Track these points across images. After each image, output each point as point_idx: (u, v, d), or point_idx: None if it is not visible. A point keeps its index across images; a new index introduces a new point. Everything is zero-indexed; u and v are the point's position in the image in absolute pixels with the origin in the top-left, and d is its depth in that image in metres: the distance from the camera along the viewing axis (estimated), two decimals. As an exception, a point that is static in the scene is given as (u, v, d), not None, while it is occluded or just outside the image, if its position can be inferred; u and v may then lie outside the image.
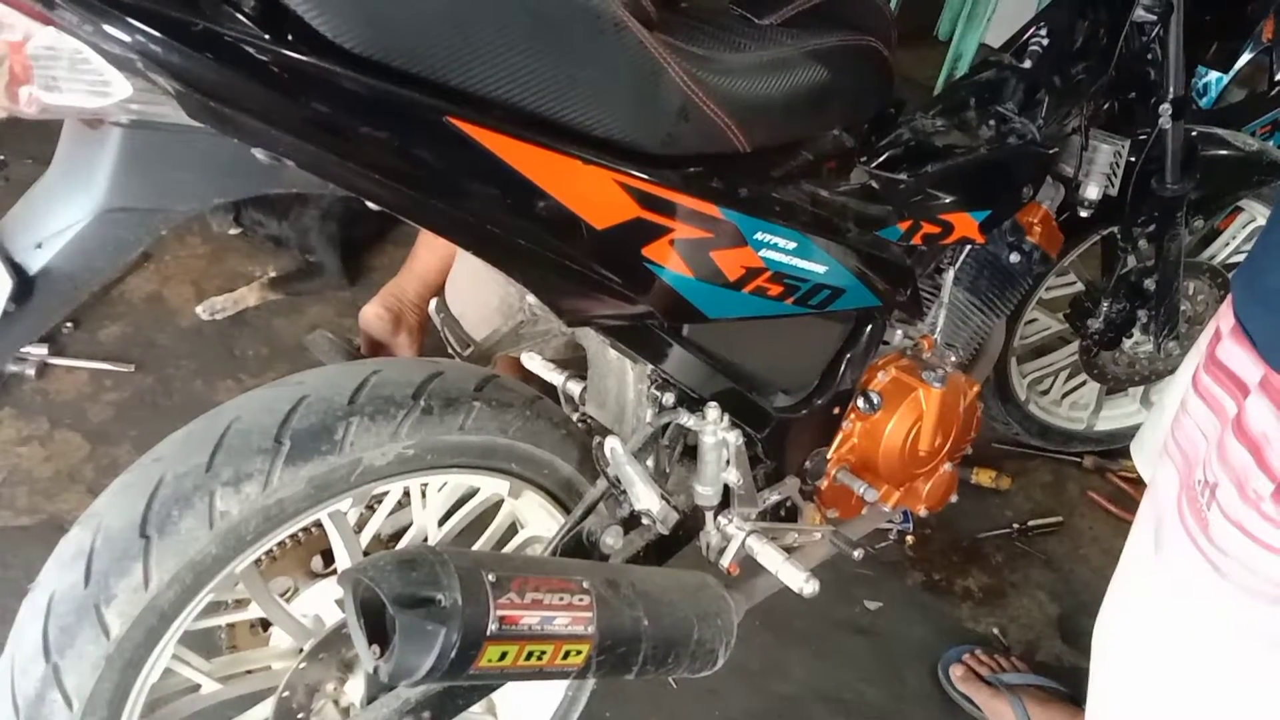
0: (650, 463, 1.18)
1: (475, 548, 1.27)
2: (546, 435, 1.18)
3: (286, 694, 1.11)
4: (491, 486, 1.19)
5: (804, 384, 1.37)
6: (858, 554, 1.36)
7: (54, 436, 1.85)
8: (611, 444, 1.09)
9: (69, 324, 2.05)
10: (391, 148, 0.85)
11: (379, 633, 0.91)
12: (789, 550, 1.33)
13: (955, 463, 1.58)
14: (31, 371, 1.93)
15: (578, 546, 1.15)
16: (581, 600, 1.00)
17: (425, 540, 1.22)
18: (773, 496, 1.36)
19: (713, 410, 1.16)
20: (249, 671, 1.16)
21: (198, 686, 1.11)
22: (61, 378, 1.96)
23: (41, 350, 1.97)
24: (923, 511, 1.58)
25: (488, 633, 0.91)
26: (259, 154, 0.81)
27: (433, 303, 1.41)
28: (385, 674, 0.89)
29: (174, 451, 1.00)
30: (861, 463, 1.48)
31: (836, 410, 1.41)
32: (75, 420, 1.89)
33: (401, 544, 1.23)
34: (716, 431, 1.17)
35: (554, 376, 1.45)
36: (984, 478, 2.11)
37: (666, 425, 1.19)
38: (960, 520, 2.02)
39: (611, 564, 1.11)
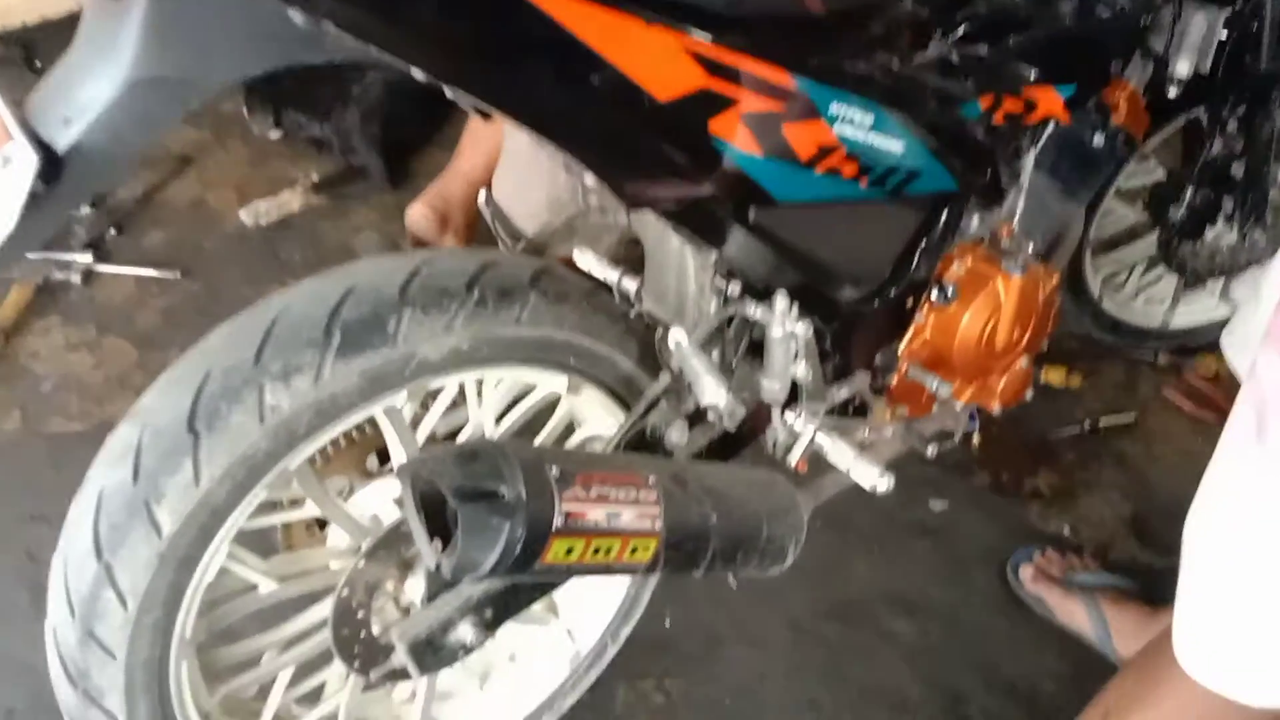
0: (715, 357, 1.12)
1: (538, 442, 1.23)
2: (605, 329, 1.13)
3: (345, 593, 1.09)
4: (549, 383, 1.14)
5: (876, 274, 1.30)
6: (931, 450, 1.30)
7: (102, 343, 1.84)
8: (677, 336, 1.04)
9: (113, 229, 2.02)
10: (437, 7, 0.78)
11: (439, 528, 0.87)
12: (860, 447, 1.28)
13: (1033, 358, 1.51)
14: (77, 278, 1.91)
15: (640, 443, 1.10)
16: (648, 496, 0.96)
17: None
18: (841, 392, 1.29)
19: (781, 300, 1.10)
20: (307, 571, 1.13)
21: (255, 586, 1.08)
22: (108, 285, 1.94)
23: (86, 257, 1.94)
24: (996, 408, 1.51)
25: (553, 527, 0.87)
26: (296, 16, 0.75)
27: (481, 193, 1.35)
28: (448, 569, 0.85)
29: (221, 345, 0.96)
30: (935, 357, 1.40)
31: (910, 302, 1.33)
32: (123, 327, 1.87)
33: (461, 439, 1.19)
34: (785, 323, 1.11)
35: (608, 273, 1.38)
36: (1054, 376, 2.03)
37: (731, 318, 1.12)
38: (1029, 419, 1.94)
39: (677, 460, 1.06)
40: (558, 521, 0.87)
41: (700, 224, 1.05)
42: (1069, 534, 1.79)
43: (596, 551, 0.92)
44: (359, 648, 1.12)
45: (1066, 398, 2.03)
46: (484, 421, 1.17)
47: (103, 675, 0.96)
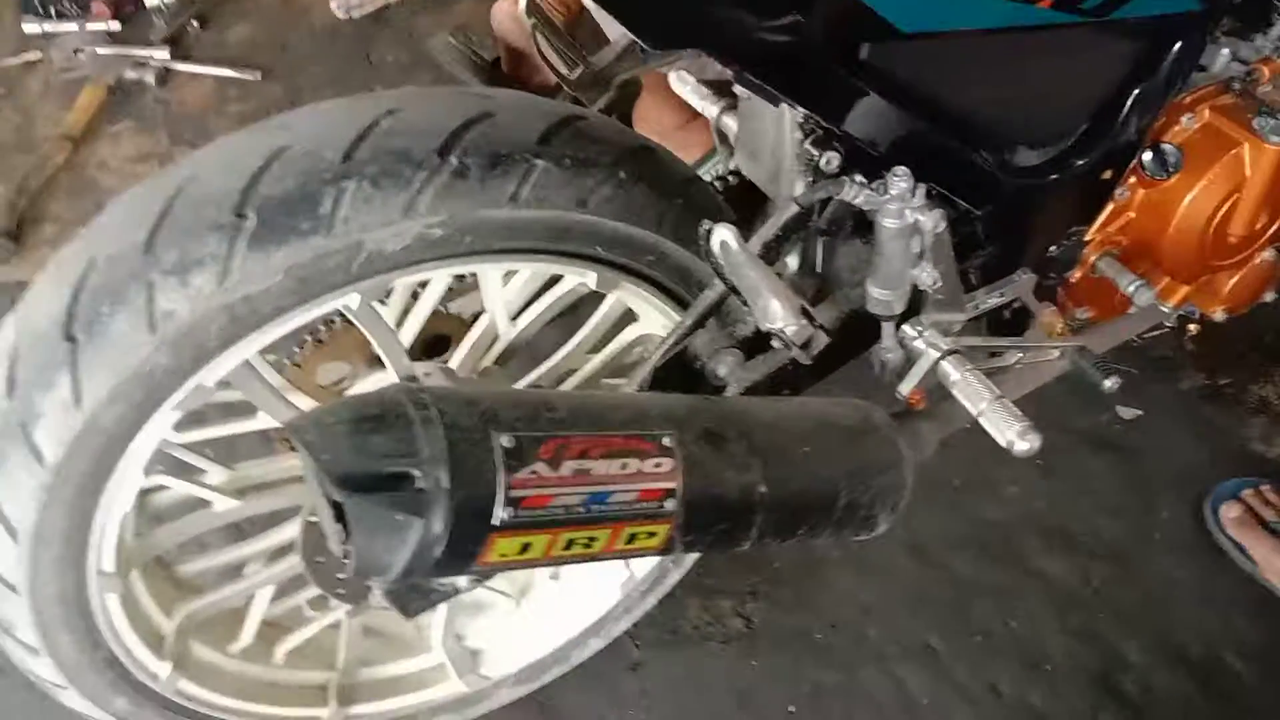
0: (794, 259, 0.80)
1: (574, 343, 0.96)
2: (650, 207, 0.82)
3: (314, 518, 0.89)
4: (573, 276, 0.86)
5: (1062, 132, 0.92)
6: (1110, 383, 0.95)
7: (173, 154, 1.67)
8: (722, 235, 0.72)
9: (194, 23, 1.82)
10: None
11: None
12: (1003, 371, 0.95)
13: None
14: (152, 79, 1.73)
15: (679, 372, 0.81)
16: (659, 465, 0.69)
17: (496, 339, 0.92)
18: (992, 299, 0.95)
19: (900, 180, 0.76)
20: (279, 483, 0.94)
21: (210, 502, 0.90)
22: (184, 85, 1.75)
23: (164, 53, 1.75)
24: (1220, 315, 1.12)
25: (494, 522, 0.62)
26: None
27: (521, 2, 1.02)
28: (351, 569, 0.62)
29: (112, 223, 0.74)
30: (1138, 247, 1.03)
31: (1108, 174, 0.95)
32: (196, 135, 1.69)
33: (474, 332, 0.93)
34: (904, 212, 0.77)
35: (708, 106, 1.06)
36: (1312, 250, 1.56)
37: (826, 201, 0.80)
38: (1270, 304, 1.50)
39: (721, 401, 0.77)
40: (501, 515, 0.61)
41: (779, 71, 0.72)
42: (1297, 465, 1.40)
43: (572, 545, 0.66)
44: (341, 576, 0.94)
45: (1326, 279, 1.57)
46: (497, 316, 0.91)
47: (8, 608, 0.81)
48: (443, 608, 1.08)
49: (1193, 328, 1.51)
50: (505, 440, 0.62)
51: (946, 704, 1.22)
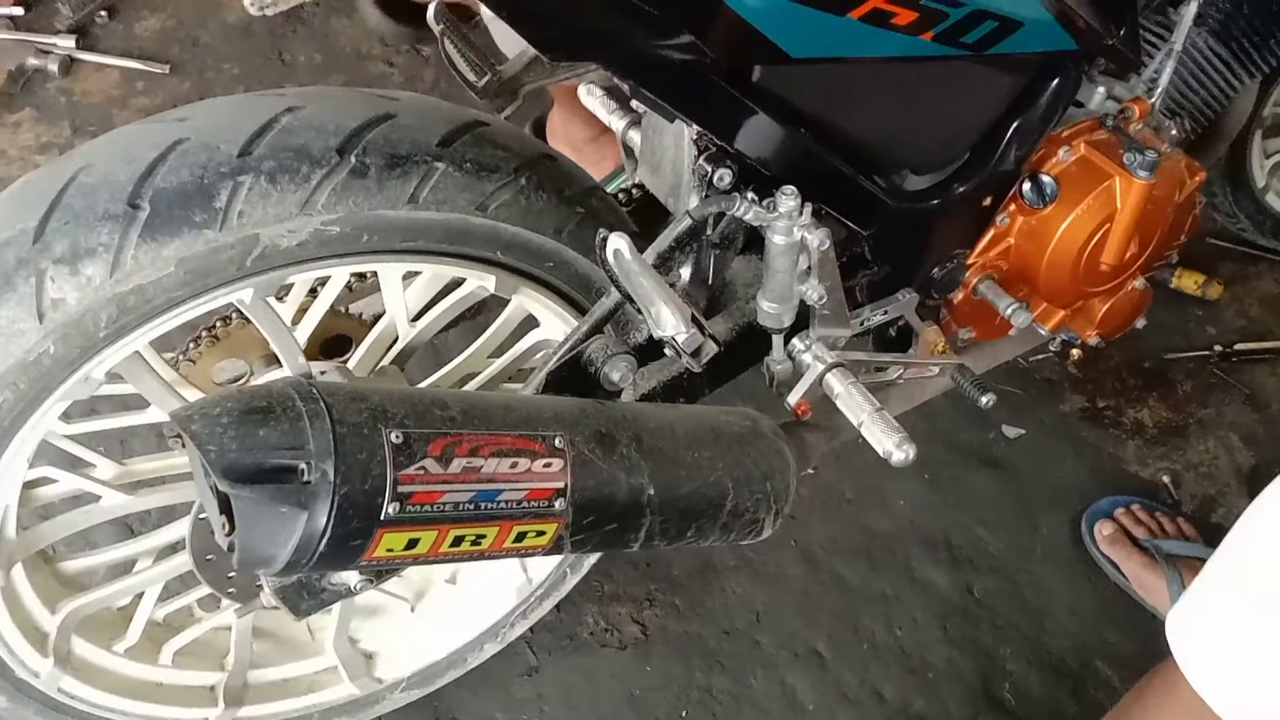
0: (687, 270, 0.83)
1: (475, 346, 0.97)
2: (550, 215, 0.84)
3: (204, 515, 0.88)
4: (474, 279, 0.88)
5: (943, 159, 0.97)
6: (986, 400, 1.00)
7: (75, 144, 1.63)
8: (616, 244, 0.74)
9: (103, 13, 1.78)
10: None
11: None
12: (889, 385, 0.99)
13: (1151, 276, 1.17)
14: (55, 67, 1.69)
15: (574, 376, 0.83)
16: (549, 465, 0.71)
17: (395, 340, 0.93)
18: (876, 316, 0.99)
19: (788, 199, 0.79)
20: (171, 479, 0.93)
21: (97, 497, 0.89)
22: (89, 76, 1.72)
23: (69, 43, 1.71)
24: (1094, 339, 1.19)
25: (382, 517, 0.63)
26: None
27: (431, 7, 1.04)
28: (235, 561, 0.63)
29: (2, 210, 0.73)
30: (1016, 272, 1.08)
31: (988, 201, 1.00)
32: (100, 126, 1.65)
33: (374, 333, 0.94)
34: (793, 229, 0.81)
35: (615, 120, 1.09)
36: (1188, 282, 1.65)
37: (720, 215, 0.83)
38: (1148, 333, 1.58)
39: (613, 405, 0.79)
40: (389, 509, 0.63)
41: (674, 88, 0.74)
42: (1168, 484, 1.47)
43: (460, 542, 0.68)
44: (231, 575, 0.93)
45: (1199, 311, 1.66)
46: (397, 317, 0.92)
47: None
48: (336, 610, 1.08)
49: (1075, 353, 1.60)
50: (394, 436, 0.63)
51: (831, 709, 1.25)
